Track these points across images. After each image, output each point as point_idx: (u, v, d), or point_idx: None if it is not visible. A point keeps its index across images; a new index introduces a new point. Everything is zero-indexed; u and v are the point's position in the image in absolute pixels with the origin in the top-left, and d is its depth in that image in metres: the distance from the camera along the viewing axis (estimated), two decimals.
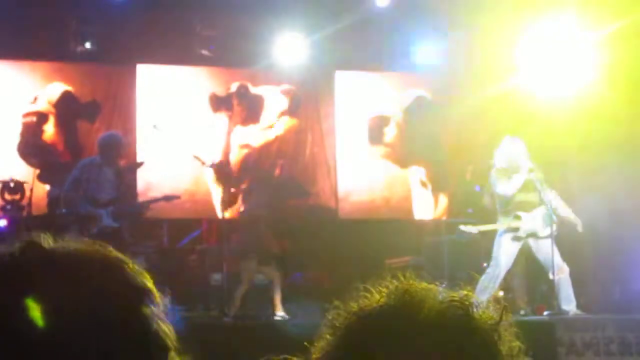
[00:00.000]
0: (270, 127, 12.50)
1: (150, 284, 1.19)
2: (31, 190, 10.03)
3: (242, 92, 12.39)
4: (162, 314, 1.18)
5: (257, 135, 12.46)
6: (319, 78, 12.66)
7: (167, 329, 1.17)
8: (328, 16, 11.66)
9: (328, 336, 1.24)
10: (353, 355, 1.20)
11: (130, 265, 1.18)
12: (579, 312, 8.96)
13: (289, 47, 12.03)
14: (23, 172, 11.06)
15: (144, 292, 1.17)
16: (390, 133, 12.83)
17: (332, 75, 12.68)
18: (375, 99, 12.81)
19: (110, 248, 1.19)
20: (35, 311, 1.08)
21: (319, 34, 11.85)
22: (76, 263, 1.15)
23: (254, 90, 12.46)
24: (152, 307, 1.16)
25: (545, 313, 9.11)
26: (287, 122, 12.59)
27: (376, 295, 1.26)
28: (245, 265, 10.08)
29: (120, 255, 1.19)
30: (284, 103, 12.52)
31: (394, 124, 12.83)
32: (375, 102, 12.81)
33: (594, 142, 11.52)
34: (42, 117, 11.76)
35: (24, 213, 10.03)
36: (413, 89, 12.90)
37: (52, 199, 10.39)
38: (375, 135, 12.76)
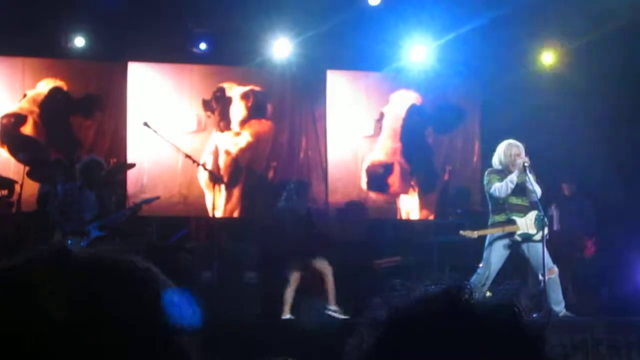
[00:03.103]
0: (237, 133, 12.43)
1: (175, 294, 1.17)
2: (21, 187, 10.01)
3: (219, 96, 12.38)
4: (193, 346, 1.16)
5: (231, 140, 12.42)
6: (311, 78, 12.64)
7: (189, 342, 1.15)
8: (320, 15, 11.64)
9: (368, 331, 1.22)
10: (395, 350, 1.18)
11: (167, 286, 1.16)
12: (568, 313, 8.97)
13: (281, 45, 12.02)
14: (13, 168, 11.05)
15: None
16: (395, 183, 12.75)
17: (323, 75, 12.67)
18: (367, 106, 12.78)
19: (141, 261, 1.17)
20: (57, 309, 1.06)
21: (311, 33, 11.84)
22: (109, 275, 1.12)
23: (229, 93, 12.42)
24: (186, 339, 1.15)
25: (534, 315, 9.11)
26: (253, 127, 12.50)
27: (420, 292, 1.23)
28: (291, 265, 10.03)
29: (153, 268, 1.17)
30: (242, 109, 12.44)
31: (398, 168, 12.75)
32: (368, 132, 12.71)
33: (583, 144, 11.56)
34: (19, 118, 11.73)
35: (13, 209, 10.01)
36: (403, 90, 12.89)
37: (42, 196, 10.36)
38: (378, 184, 12.64)
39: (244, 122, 12.43)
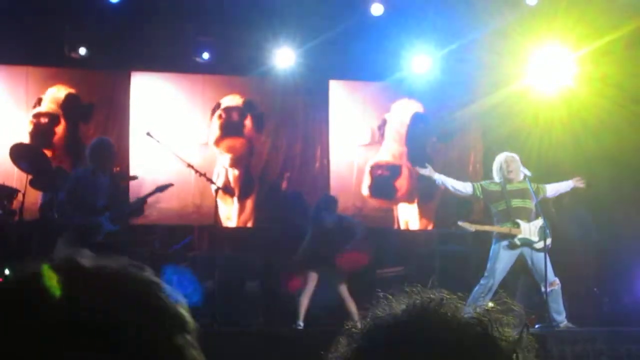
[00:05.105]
0: (237, 145, 12.42)
1: (185, 311, 1.18)
2: (23, 195, 10.02)
3: (214, 109, 12.40)
4: (195, 343, 1.17)
5: (232, 152, 12.43)
6: (314, 88, 12.65)
7: (199, 357, 1.16)
8: (323, 25, 11.67)
9: (345, 343, 1.23)
10: None
11: (167, 291, 1.17)
12: (569, 324, 8.96)
13: (283, 55, 12.04)
14: (15, 177, 11.06)
15: (180, 321, 1.16)
16: (403, 187, 12.70)
17: (325, 85, 12.69)
18: (366, 115, 12.78)
19: (147, 270, 1.18)
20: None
21: (314, 43, 11.86)
22: (114, 283, 1.13)
23: (229, 105, 12.44)
24: (187, 337, 1.16)
25: (536, 325, 9.10)
26: (253, 139, 12.49)
27: (396, 305, 1.24)
28: (313, 272, 10.02)
29: (156, 279, 1.17)
30: (216, 127, 12.42)
31: (406, 172, 12.70)
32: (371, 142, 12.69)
33: (585, 155, 11.56)
34: (53, 118, 11.86)
35: (16, 218, 10.01)
36: (405, 99, 12.89)
37: (44, 205, 10.37)
38: (383, 188, 12.57)
39: (243, 134, 12.43)
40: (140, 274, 1.16)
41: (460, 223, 9.08)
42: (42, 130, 11.80)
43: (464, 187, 9.19)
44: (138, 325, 1.10)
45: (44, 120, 11.86)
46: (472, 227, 9.03)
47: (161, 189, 9.69)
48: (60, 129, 11.91)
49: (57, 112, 11.93)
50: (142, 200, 9.65)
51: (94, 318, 1.07)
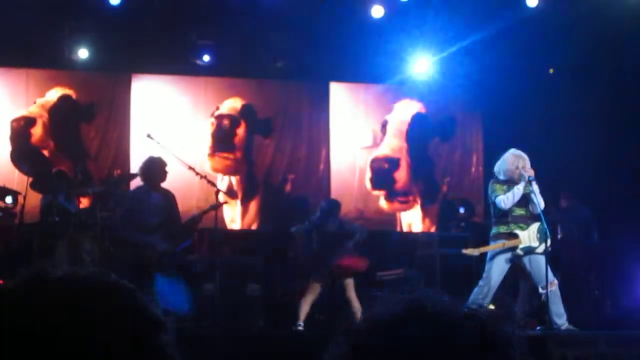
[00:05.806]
0: (237, 151, 12.43)
1: (159, 313, 1.19)
2: (24, 198, 10.02)
3: (212, 114, 12.40)
4: (172, 343, 1.18)
5: (232, 156, 12.43)
6: (315, 90, 12.66)
7: (176, 356, 1.18)
8: (323, 27, 11.67)
9: (344, 339, 1.23)
10: (369, 358, 1.18)
11: (140, 295, 1.18)
12: (570, 327, 8.93)
13: (284, 57, 12.05)
14: (16, 180, 11.07)
15: (157, 322, 1.17)
16: (402, 179, 12.72)
17: (326, 87, 12.70)
18: (367, 117, 12.80)
19: (115, 276, 1.20)
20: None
21: (315, 45, 11.87)
22: (85, 292, 1.15)
23: (217, 112, 12.45)
24: (165, 336, 1.17)
25: (537, 328, 9.08)
26: (255, 144, 12.49)
27: (391, 303, 1.24)
28: (316, 276, 10.03)
29: (130, 284, 1.19)
30: (207, 136, 12.42)
31: (405, 165, 12.73)
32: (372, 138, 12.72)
33: (585, 157, 11.56)
34: (29, 121, 11.87)
35: (16, 220, 10.02)
36: (407, 100, 12.91)
37: (44, 207, 10.37)
38: (383, 180, 12.60)
39: (233, 143, 12.43)
40: (111, 279, 1.18)
41: (464, 251, 9.02)
42: (18, 133, 11.86)
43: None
44: (120, 328, 1.11)
45: (18, 123, 11.90)
46: (476, 252, 8.98)
47: (215, 207, 9.62)
48: (37, 130, 11.89)
49: (38, 114, 11.93)
50: (198, 218, 9.62)
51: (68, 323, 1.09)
